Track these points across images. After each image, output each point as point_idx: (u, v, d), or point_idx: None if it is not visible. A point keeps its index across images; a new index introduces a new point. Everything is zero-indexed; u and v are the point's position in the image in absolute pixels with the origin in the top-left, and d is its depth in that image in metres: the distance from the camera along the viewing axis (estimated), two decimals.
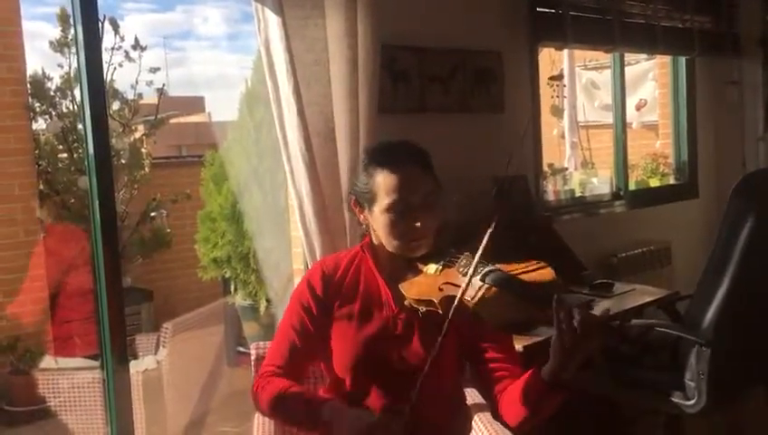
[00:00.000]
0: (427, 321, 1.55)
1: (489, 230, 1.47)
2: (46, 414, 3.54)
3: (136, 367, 3.27)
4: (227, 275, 4.66)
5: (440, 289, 1.52)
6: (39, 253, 4.46)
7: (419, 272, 1.61)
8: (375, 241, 1.67)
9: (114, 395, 2.25)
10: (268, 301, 4.34)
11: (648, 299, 2.73)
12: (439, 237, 1.63)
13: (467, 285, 1.44)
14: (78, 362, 4.01)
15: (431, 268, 1.59)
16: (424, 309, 1.53)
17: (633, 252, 3.77)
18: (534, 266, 1.53)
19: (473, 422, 1.79)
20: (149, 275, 5.55)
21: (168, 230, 5.44)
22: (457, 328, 1.49)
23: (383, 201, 1.58)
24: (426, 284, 1.56)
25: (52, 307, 4.43)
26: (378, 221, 1.61)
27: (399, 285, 1.58)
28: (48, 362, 4.01)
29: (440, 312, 1.48)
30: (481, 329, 1.56)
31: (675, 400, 2.39)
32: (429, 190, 1.60)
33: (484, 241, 1.47)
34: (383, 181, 1.58)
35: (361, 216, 1.67)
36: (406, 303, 1.57)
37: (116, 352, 2.23)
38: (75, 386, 3.33)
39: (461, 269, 1.54)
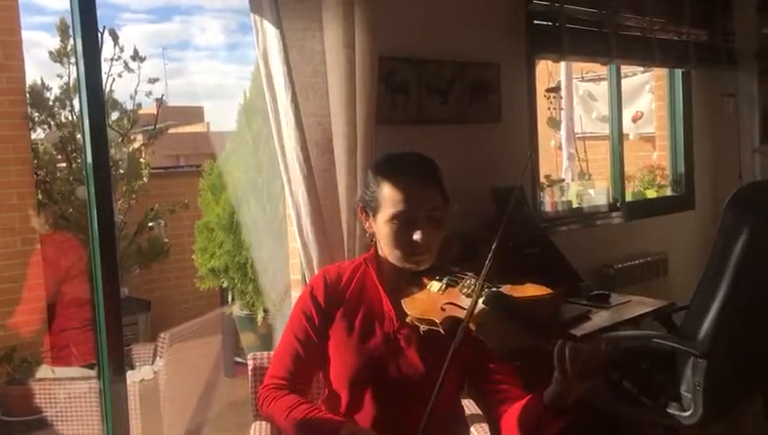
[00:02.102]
0: (427, 338, 1.55)
1: (492, 250, 1.45)
2: (43, 424, 3.52)
3: (133, 377, 3.27)
4: (225, 285, 4.65)
5: (442, 309, 1.51)
6: (35, 262, 4.45)
7: (422, 287, 1.61)
8: (380, 253, 1.67)
9: (111, 405, 2.24)
10: (265, 311, 4.33)
11: (644, 310, 2.74)
12: (444, 252, 1.64)
13: (472, 308, 1.42)
14: (75, 371, 3.99)
15: (434, 286, 1.59)
16: (425, 328, 1.53)
17: (630, 263, 3.78)
18: (541, 292, 1.51)
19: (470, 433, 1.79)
20: (147, 285, 5.55)
21: (166, 240, 5.44)
22: (460, 347, 1.48)
23: (387, 211, 1.58)
24: (428, 302, 1.56)
25: (48, 317, 4.43)
26: (381, 231, 1.61)
27: (402, 301, 1.58)
28: (45, 371, 4.00)
29: (442, 332, 1.47)
30: (484, 349, 1.54)
31: (671, 411, 2.39)
32: (435, 205, 1.60)
33: (487, 264, 1.45)
34: (389, 192, 1.59)
35: (367, 223, 1.67)
36: (407, 319, 1.56)
37: (113, 363, 2.22)
38: (72, 396, 3.32)
39: (464, 290, 1.54)
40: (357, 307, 1.66)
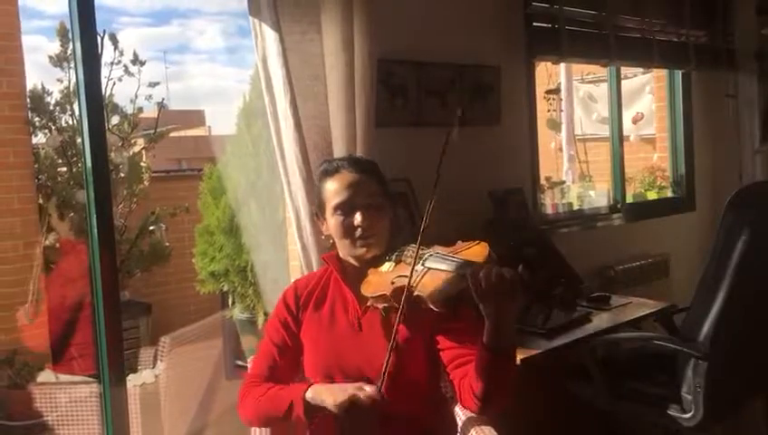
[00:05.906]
0: (391, 320, 1.62)
1: (427, 213, 1.56)
2: (44, 429, 3.51)
3: (134, 381, 3.26)
4: (225, 289, 4.64)
5: (392, 283, 1.62)
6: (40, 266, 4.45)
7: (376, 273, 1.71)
8: (340, 252, 1.77)
9: (112, 409, 2.25)
10: (266, 314, 4.32)
11: (645, 312, 2.73)
12: (394, 242, 1.74)
13: (411, 272, 1.55)
14: (76, 376, 3.99)
15: (385, 266, 1.70)
16: (383, 305, 1.63)
17: (630, 265, 3.78)
18: (471, 245, 1.63)
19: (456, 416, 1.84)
20: (148, 289, 5.55)
21: (167, 244, 5.44)
22: (419, 325, 1.62)
23: (330, 205, 1.71)
24: (380, 280, 1.66)
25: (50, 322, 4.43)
26: (330, 227, 1.73)
27: (360, 287, 1.68)
28: (46, 375, 3.99)
29: (396, 304, 1.57)
30: (438, 321, 1.63)
31: (672, 413, 2.39)
32: (373, 192, 1.71)
33: (422, 228, 1.57)
34: (330, 186, 1.72)
35: (323, 226, 1.78)
36: (368, 304, 1.67)
37: (114, 367, 2.23)
38: (73, 400, 3.32)
39: (407, 260, 1.65)
40: (323, 302, 1.78)
